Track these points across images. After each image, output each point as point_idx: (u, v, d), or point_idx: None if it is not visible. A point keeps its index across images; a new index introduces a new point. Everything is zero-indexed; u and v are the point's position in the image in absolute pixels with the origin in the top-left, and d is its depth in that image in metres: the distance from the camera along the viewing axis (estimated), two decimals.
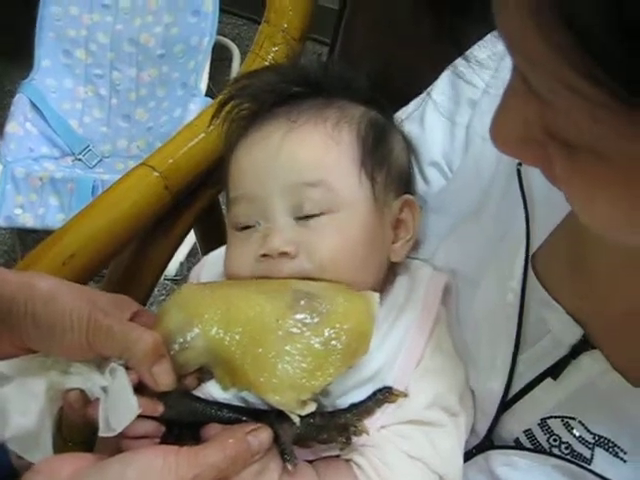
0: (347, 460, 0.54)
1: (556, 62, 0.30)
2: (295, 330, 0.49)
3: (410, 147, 0.66)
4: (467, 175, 0.64)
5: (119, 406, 0.49)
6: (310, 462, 0.54)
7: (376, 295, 0.54)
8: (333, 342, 0.49)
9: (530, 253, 0.56)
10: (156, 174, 0.76)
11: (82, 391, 0.51)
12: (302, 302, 0.51)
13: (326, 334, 0.50)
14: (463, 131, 0.68)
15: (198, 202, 0.85)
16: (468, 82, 0.68)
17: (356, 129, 0.60)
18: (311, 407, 0.49)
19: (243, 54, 2.06)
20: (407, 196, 0.62)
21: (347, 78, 0.63)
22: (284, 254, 0.55)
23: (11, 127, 1.77)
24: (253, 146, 0.59)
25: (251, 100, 0.62)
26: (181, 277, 1.77)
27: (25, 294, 0.50)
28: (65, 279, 0.57)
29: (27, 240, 1.90)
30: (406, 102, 0.74)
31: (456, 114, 0.68)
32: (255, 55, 0.86)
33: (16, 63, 2.04)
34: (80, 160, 1.90)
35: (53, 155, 1.88)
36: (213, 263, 0.67)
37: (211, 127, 0.80)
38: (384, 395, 0.54)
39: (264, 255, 0.56)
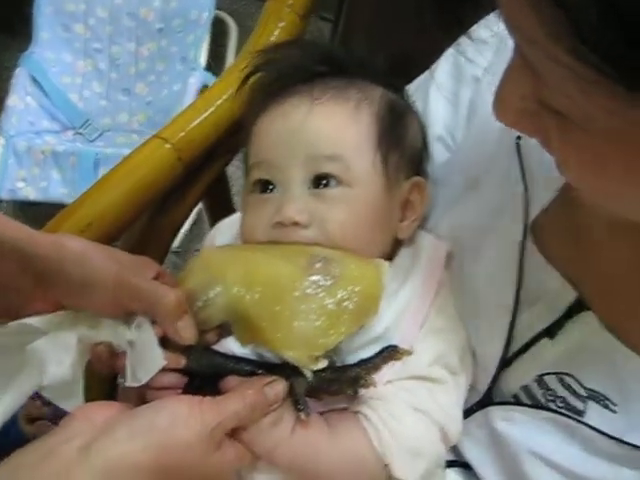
0: (355, 412, 0.57)
1: (549, 40, 0.33)
2: (310, 291, 0.53)
3: (424, 129, 0.69)
4: (469, 148, 0.67)
5: (145, 358, 0.52)
6: (321, 414, 0.57)
7: (386, 263, 0.58)
8: (345, 303, 0.53)
9: (528, 222, 0.59)
10: (168, 146, 0.79)
11: (110, 344, 0.55)
12: (317, 265, 0.54)
13: (339, 295, 0.53)
14: (466, 106, 0.70)
15: (208, 172, 0.87)
16: (471, 60, 0.70)
17: (375, 110, 0.62)
18: (323, 363, 0.52)
19: (241, 29, 2.07)
20: (417, 178, 0.65)
21: (366, 60, 0.66)
22: (296, 223, 0.58)
23: (12, 101, 1.78)
24: (277, 118, 0.62)
25: (276, 75, 0.64)
26: (182, 250, 1.79)
27: (57, 254, 0.53)
28: None
29: (28, 213, 1.92)
30: (408, 80, 0.77)
31: (459, 90, 0.71)
32: (261, 31, 0.88)
33: (15, 38, 2.04)
34: (81, 134, 1.91)
35: (54, 129, 1.89)
36: (226, 229, 0.70)
37: (223, 98, 0.83)
38: (390, 353, 0.57)
39: (278, 222, 0.59)
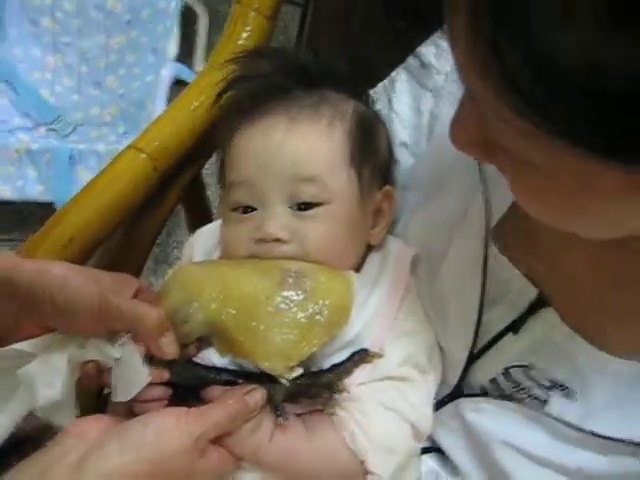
0: (330, 414, 0.60)
1: (490, 94, 0.36)
2: (283, 306, 0.56)
3: (390, 137, 0.71)
4: (432, 155, 0.70)
5: (131, 375, 0.55)
6: (298, 415, 0.61)
7: (354, 274, 0.61)
8: (317, 317, 0.56)
9: (490, 224, 0.62)
10: (144, 156, 0.80)
11: (97, 362, 0.57)
12: (290, 280, 0.57)
13: (310, 309, 0.56)
14: (427, 116, 0.73)
15: (183, 177, 0.89)
16: (423, 86, 0.73)
17: (347, 127, 0.65)
18: (298, 371, 0.55)
19: (213, 15, 2.06)
20: (387, 187, 0.69)
21: (333, 68, 0.68)
22: (277, 240, 0.61)
23: None
24: (255, 137, 0.64)
25: (248, 93, 0.66)
26: (161, 242, 1.81)
27: (42, 280, 0.55)
28: (67, 260, 0.63)
29: (3, 211, 1.91)
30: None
31: (420, 101, 0.73)
32: (228, 37, 0.90)
33: None
34: (54, 130, 1.91)
35: (26, 125, 1.88)
36: (207, 237, 0.73)
37: (195, 105, 0.85)
38: (361, 356, 0.60)
39: (260, 239, 0.61)
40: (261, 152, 0.63)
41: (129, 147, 0.81)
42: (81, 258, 0.73)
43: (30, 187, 1.73)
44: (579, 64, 0.32)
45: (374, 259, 0.68)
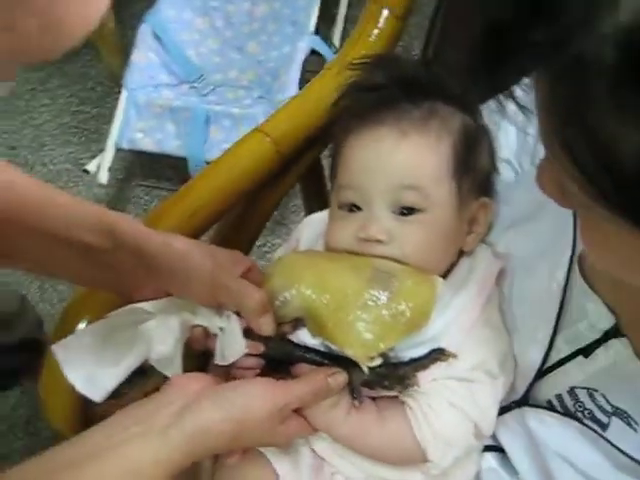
0: (402, 402, 0.67)
1: (560, 165, 0.41)
2: (370, 303, 0.62)
3: (494, 152, 0.75)
4: (530, 179, 0.73)
5: (231, 344, 0.64)
6: (373, 399, 0.68)
7: (440, 281, 0.66)
8: (399, 316, 0.62)
9: (576, 253, 0.66)
10: (268, 140, 0.88)
11: (205, 328, 0.67)
12: (379, 280, 0.63)
13: (394, 309, 0.62)
14: (533, 141, 0.76)
15: (303, 162, 0.95)
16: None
17: (453, 141, 0.69)
18: (377, 361, 0.62)
19: None
20: (484, 199, 0.73)
21: (444, 82, 0.72)
22: (378, 241, 0.67)
23: (136, 57, 1.89)
24: (368, 146, 0.69)
25: (361, 104, 0.71)
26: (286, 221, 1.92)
27: (166, 252, 0.64)
28: (187, 234, 0.72)
29: (143, 159, 2.07)
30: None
31: (528, 126, 0.76)
32: (360, 32, 0.95)
33: None
34: (195, 88, 2.02)
35: (171, 82, 1.99)
36: (316, 224, 0.80)
37: (322, 95, 0.90)
38: (438, 355, 0.66)
39: (362, 239, 0.68)
40: (372, 160, 0.69)
41: (256, 130, 0.89)
42: (203, 228, 0.83)
43: (168, 141, 1.85)
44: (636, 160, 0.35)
45: (464, 264, 0.72)
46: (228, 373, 0.66)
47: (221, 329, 0.65)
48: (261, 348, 0.66)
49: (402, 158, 0.68)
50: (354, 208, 0.70)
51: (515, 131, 0.78)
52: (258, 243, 1.57)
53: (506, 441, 0.72)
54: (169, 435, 0.56)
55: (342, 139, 0.73)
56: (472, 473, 0.72)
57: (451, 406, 0.66)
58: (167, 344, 0.65)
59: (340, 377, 0.64)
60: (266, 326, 0.64)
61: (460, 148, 0.70)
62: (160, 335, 0.65)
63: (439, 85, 0.72)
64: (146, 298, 0.66)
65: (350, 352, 0.62)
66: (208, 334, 0.67)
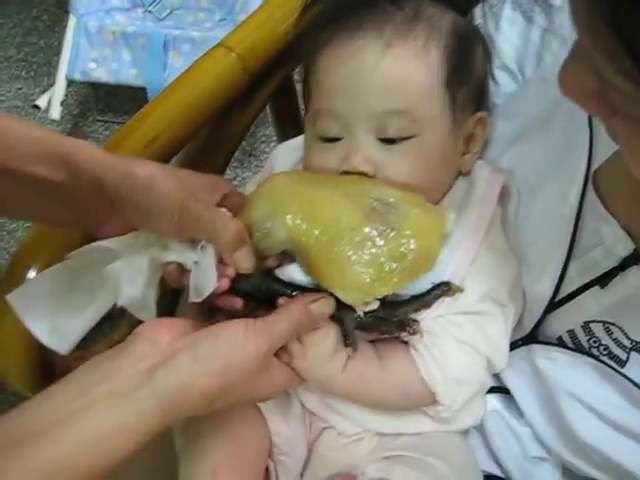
0: (405, 342, 0.60)
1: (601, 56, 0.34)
2: (367, 242, 0.53)
3: (488, 55, 0.66)
4: (538, 86, 0.65)
5: (204, 277, 0.56)
6: (372, 342, 0.61)
7: (451, 215, 0.57)
8: (400, 259, 0.53)
9: (591, 170, 0.58)
10: (233, 55, 0.78)
11: (178, 264, 0.58)
12: (378, 214, 0.54)
13: (395, 250, 0.53)
14: (539, 33, 0.67)
15: (273, 81, 0.86)
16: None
17: (443, 46, 0.60)
18: (373, 305, 0.54)
19: None
20: (481, 114, 0.64)
21: None
22: (363, 173, 0.58)
23: None
24: (344, 62, 0.59)
25: (334, 8, 0.62)
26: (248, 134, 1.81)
27: (128, 183, 0.55)
28: (150, 159, 0.63)
29: (100, 92, 1.95)
30: None
31: (534, 13, 0.67)
32: None
33: None
34: (150, 12, 1.90)
35: (124, 6, 1.88)
36: (290, 152, 0.70)
37: (288, 6, 0.80)
38: (442, 290, 0.58)
39: (345, 171, 0.59)
40: (350, 79, 0.59)
41: (218, 45, 0.79)
42: (164, 157, 0.73)
43: (124, 70, 1.75)
44: None
45: (460, 185, 0.65)
46: (201, 314, 0.58)
47: (196, 263, 0.56)
48: (232, 274, 0.56)
49: (386, 76, 0.58)
50: (336, 138, 0.61)
51: (518, 27, 0.69)
52: (227, 177, 1.48)
53: (511, 381, 0.66)
54: (138, 398, 0.48)
55: (314, 54, 0.62)
56: (480, 416, 0.66)
57: (460, 343, 0.59)
58: (136, 286, 0.56)
59: (325, 304, 0.55)
60: (244, 261, 0.55)
61: (452, 54, 0.60)
62: (127, 276, 0.56)
63: None
64: (113, 234, 0.58)
65: (343, 295, 0.54)
66: (183, 271, 0.58)
